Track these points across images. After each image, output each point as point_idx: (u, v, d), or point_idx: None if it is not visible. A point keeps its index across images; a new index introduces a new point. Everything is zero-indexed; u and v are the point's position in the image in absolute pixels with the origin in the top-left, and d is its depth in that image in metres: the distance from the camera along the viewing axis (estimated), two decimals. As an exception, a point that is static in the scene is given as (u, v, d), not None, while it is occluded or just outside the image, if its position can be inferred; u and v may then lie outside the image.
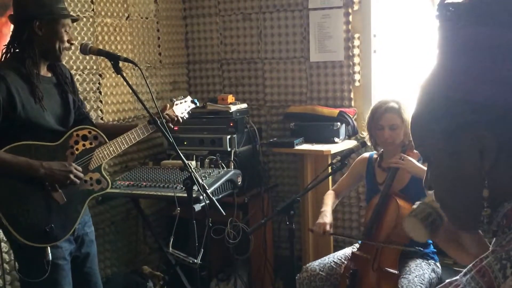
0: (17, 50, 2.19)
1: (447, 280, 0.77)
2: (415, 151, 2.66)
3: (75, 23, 3.04)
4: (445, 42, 0.79)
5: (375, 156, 2.86)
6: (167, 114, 2.48)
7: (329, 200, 2.83)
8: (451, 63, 0.78)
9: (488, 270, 0.71)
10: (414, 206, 1.12)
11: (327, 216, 2.69)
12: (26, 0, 2.19)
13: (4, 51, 2.21)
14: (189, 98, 2.70)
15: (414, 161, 2.57)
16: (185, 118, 2.64)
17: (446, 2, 0.78)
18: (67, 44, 2.22)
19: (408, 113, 2.68)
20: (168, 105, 2.57)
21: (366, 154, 2.91)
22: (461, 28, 0.76)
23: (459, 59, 0.77)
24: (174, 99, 2.63)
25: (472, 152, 0.76)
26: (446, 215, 0.87)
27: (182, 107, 2.63)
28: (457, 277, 0.75)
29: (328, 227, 2.62)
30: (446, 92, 0.77)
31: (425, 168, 2.66)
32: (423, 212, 1.07)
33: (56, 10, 2.19)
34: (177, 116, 2.54)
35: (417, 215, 1.07)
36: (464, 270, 0.75)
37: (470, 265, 0.74)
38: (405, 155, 2.59)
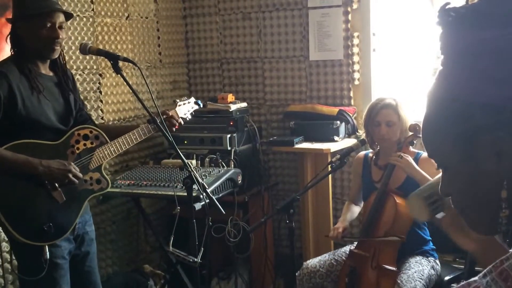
0: (15, 51, 2.22)
1: (466, 281, 0.75)
2: (411, 148, 2.70)
3: (75, 23, 3.07)
4: (450, 47, 0.78)
5: (370, 154, 2.87)
6: (170, 115, 2.50)
7: (344, 210, 2.97)
8: (459, 68, 0.77)
9: (511, 274, 0.70)
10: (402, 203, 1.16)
11: (341, 222, 2.82)
12: (13, 2, 2.23)
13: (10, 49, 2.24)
14: (192, 99, 2.71)
15: (412, 161, 2.59)
16: (187, 120, 2.65)
17: (446, 7, 0.78)
18: (48, 40, 2.16)
19: (405, 111, 2.70)
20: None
21: (362, 153, 2.93)
22: (465, 31, 0.76)
23: (467, 62, 0.76)
24: (178, 100, 2.64)
25: (489, 155, 0.75)
26: (466, 221, 0.85)
27: (185, 108, 2.64)
28: (476, 278, 0.73)
29: (340, 230, 2.72)
30: (458, 97, 0.77)
31: (420, 170, 2.65)
32: (426, 192, 1.09)
33: (33, 6, 2.15)
34: (179, 118, 2.55)
35: (420, 194, 1.10)
36: (484, 271, 0.73)
37: (490, 266, 0.72)
38: (404, 154, 2.60)
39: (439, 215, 1.13)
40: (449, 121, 0.78)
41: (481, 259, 1.06)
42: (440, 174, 1.11)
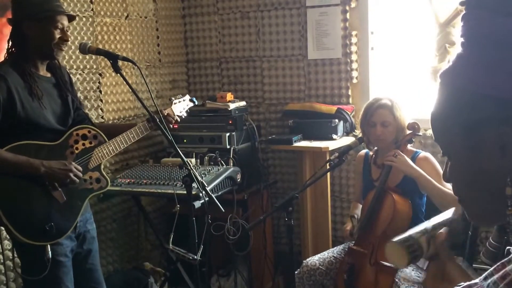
0: (15, 51, 2.23)
1: (466, 283, 0.74)
2: (409, 147, 2.72)
3: (74, 23, 3.08)
4: (471, 31, 0.76)
5: (371, 153, 2.89)
6: (166, 114, 2.52)
7: (351, 209, 3.01)
8: (475, 55, 0.75)
9: None
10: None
11: (348, 222, 2.87)
12: (17, 2, 2.23)
13: (6, 51, 2.25)
14: (187, 97, 2.74)
15: (408, 159, 2.60)
16: (183, 117, 2.68)
17: None
18: (58, 41, 2.21)
19: (401, 110, 2.71)
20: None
21: (363, 152, 2.95)
22: (487, 18, 0.74)
23: (484, 51, 0.74)
24: (173, 98, 2.66)
25: (493, 149, 0.74)
26: (464, 209, 0.85)
27: (181, 106, 2.67)
28: (477, 280, 0.72)
29: (348, 228, 2.77)
30: (469, 85, 0.75)
31: (416, 168, 2.64)
32: (404, 239, 1.11)
33: (44, 8, 2.19)
34: (175, 115, 2.58)
35: (398, 240, 1.11)
36: (485, 274, 0.72)
37: (491, 268, 0.71)
38: (399, 152, 2.61)
39: (420, 263, 1.13)
40: (458, 109, 0.77)
41: None
42: (416, 228, 1.11)
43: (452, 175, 0.83)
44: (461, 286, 0.74)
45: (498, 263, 0.71)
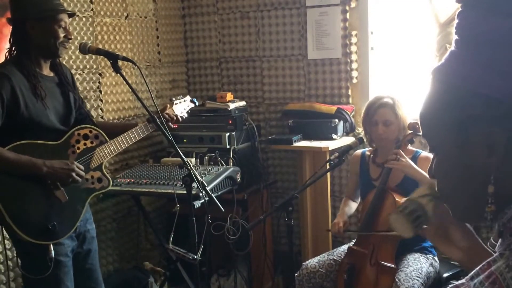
0: (18, 50, 2.23)
1: (454, 283, 0.75)
2: (409, 147, 2.72)
3: (74, 23, 3.09)
4: (465, 30, 0.76)
5: (368, 152, 2.89)
6: (166, 113, 2.53)
7: (342, 205, 2.98)
8: (470, 53, 0.75)
9: (499, 278, 0.68)
10: (400, 203, 1.14)
11: (340, 217, 2.84)
12: (17, 1, 2.23)
13: (7, 51, 2.25)
14: (188, 98, 2.74)
15: (410, 161, 2.59)
16: (184, 118, 2.68)
17: None
18: (63, 40, 2.23)
19: (403, 109, 2.71)
20: (168, 105, 2.61)
21: (359, 152, 2.94)
22: (482, 16, 0.74)
23: (479, 49, 0.74)
24: (174, 99, 2.67)
25: (481, 147, 0.74)
26: (447, 205, 0.85)
27: (182, 107, 2.67)
28: (463, 280, 0.73)
29: (341, 224, 2.75)
30: (462, 83, 0.75)
31: (419, 170, 2.63)
32: (408, 208, 1.08)
33: (47, 7, 2.19)
34: (176, 116, 2.58)
35: (401, 211, 1.08)
36: (471, 274, 0.72)
37: (477, 268, 0.71)
38: (401, 152, 2.61)
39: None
40: (449, 106, 0.77)
41: (468, 267, 1.03)
42: (420, 188, 1.11)
43: (438, 171, 0.83)
44: (449, 287, 0.75)
45: (484, 263, 0.71)
